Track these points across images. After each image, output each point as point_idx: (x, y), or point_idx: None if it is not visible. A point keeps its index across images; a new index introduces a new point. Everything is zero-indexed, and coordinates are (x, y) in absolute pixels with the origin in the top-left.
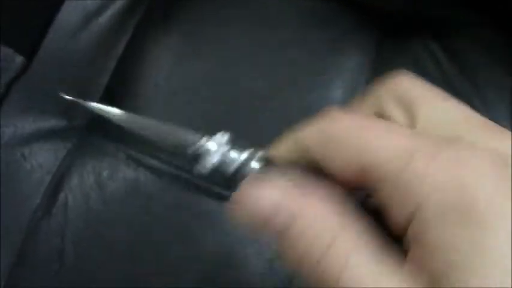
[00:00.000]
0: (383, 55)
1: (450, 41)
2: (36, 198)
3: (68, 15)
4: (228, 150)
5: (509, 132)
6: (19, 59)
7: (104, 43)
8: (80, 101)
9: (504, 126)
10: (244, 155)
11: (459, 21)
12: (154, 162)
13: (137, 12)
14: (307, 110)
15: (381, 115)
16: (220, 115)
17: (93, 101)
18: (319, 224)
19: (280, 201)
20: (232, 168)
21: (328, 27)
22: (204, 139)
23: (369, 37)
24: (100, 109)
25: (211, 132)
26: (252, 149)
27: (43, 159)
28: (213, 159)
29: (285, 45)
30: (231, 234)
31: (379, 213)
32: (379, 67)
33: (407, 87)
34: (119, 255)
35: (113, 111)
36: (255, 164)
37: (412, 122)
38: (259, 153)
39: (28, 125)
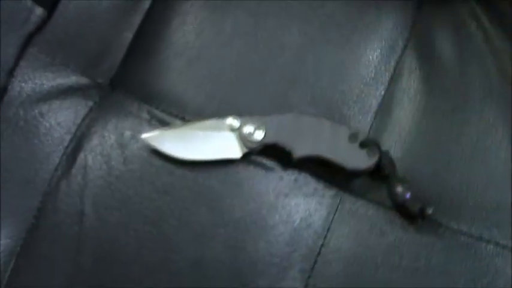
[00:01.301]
0: (423, 14)
1: (492, 2)
2: (55, 157)
3: None
4: None
5: None
6: (39, 11)
7: None
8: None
9: None
10: None
11: None
12: (178, 123)
13: None
14: (339, 69)
15: None
16: (251, 70)
17: (116, 57)
18: None
19: None
20: None
21: None
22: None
23: None
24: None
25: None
26: None
27: (63, 117)
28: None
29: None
30: (258, 201)
31: None
32: (419, 28)
33: None
34: (140, 218)
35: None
36: None
37: None
38: None
39: (47, 81)
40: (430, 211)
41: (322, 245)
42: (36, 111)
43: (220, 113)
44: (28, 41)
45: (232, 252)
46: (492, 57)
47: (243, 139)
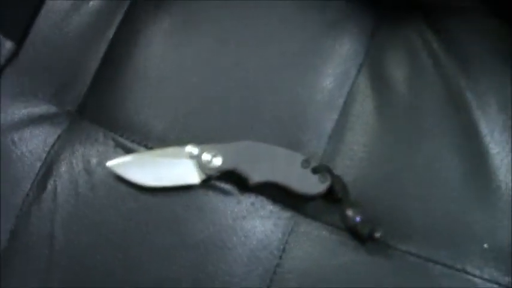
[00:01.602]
0: (376, 42)
1: (444, 28)
2: (27, 184)
3: None
4: None
5: None
6: (8, 44)
7: (94, 26)
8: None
9: (494, 112)
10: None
11: (454, 7)
12: (142, 150)
13: None
14: (295, 95)
15: None
16: (212, 99)
17: (83, 85)
18: None
19: None
20: None
21: (321, 14)
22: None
23: (363, 24)
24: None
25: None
26: None
27: (33, 145)
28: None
29: (278, 32)
30: (217, 224)
31: None
32: (372, 55)
33: None
34: (107, 241)
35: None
36: None
37: None
38: None
39: (18, 110)
40: (378, 234)
41: (277, 265)
42: (9, 139)
43: (181, 140)
44: (0, 73)
45: (193, 273)
46: (443, 84)
47: (202, 166)
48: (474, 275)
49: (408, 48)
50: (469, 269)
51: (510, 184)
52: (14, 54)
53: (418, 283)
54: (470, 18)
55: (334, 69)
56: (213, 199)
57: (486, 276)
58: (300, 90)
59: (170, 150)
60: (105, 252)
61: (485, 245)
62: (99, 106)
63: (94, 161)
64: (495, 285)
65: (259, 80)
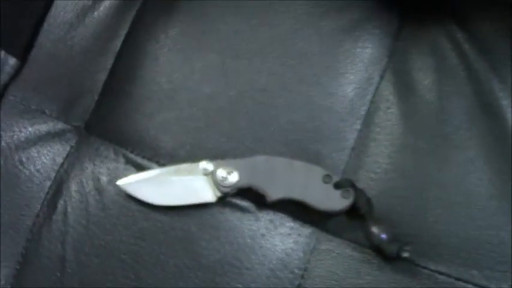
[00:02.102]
0: (400, 45)
1: (475, 27)
2: (36, 204)
3: (61, 10)
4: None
5: None
6: (12, 61)
7: (100, 38)
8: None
9: None
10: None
11: (484, 2)
12: (153, 166)
13: (135, 5)
14: (312, 106)
15: None
16: (224, 112)
17: (90, 100)
18: None
19: None
20: None
21: (341, 14)
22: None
23: (386, 25)
24: None
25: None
26: None
27: (41, 164)
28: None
29: (293, 35)
30: (234, 243)
31: None
32: (396, 59)
33: None
34: (119, 262)
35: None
36: None
37: None
38: None
39: (24, 128)
40: (406, 254)
41: (299, 285)
42: (16, 159)
43: (193, 156)
44: (3, 91)
45: None
46: (473, 90)
47: (217, 183)
48: None
49: (435, 51)
50: None
51: None
52: (18, 71)
53: None
54: (503, 15)
55: (356, 75)
56: (229, 217)
57: None
58: (318, 99)
59: (183, 166)
60: (116, 274)
61: None
62: (108, 121)
63: (105, 179)
64: None
65: (273, 89)
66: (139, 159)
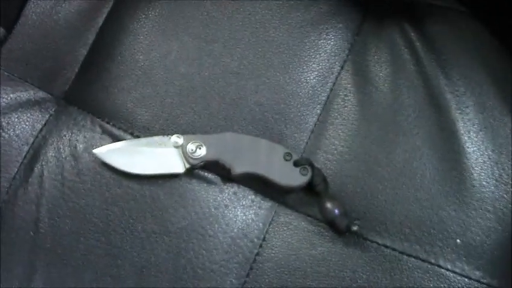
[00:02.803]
0: (361, 39)
1: (427, 27)
2: (14, 167)
3: None
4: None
5: None
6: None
7: (84, 14)
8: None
9: (471, 113)
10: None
11: (437, 6)
12: (128, 137)
13: None
14: (278, 90)
15: None
16: (195, 92)
17: (71, 72)
18: None
19: None
20: None
21: (309, 8)
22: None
23: (349, 20)
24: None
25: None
26: None
27: (20, 130)
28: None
29: (265, 25)
30: (199, 212)
31: None
32: (356, 51)
33: None
34: (91, 225)
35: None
36: None
37: None
38: None
39: (7, 95)
40: (355, 228)
41: (257, 254)
42: None
43: (166, 130)
44: None
45: (175, 259)
46: (422, 84)
47: (186, 155)
48: (447, 269)
49: (391, 47)
50: (442, 263)
51: (483, 182)
52: (4, 41)
53: (392, 275)
54: (452, 19)
55: (319, 64)
56: (196, 187)
57: (458, 271)
58: (284, 84)
59: (156, 139)
60: (88, 237)
61: (458, 241)
62: (87, 93)
63: (81, 146)
64: (466, 279)
65: (244, 72)
66: (115, 130)
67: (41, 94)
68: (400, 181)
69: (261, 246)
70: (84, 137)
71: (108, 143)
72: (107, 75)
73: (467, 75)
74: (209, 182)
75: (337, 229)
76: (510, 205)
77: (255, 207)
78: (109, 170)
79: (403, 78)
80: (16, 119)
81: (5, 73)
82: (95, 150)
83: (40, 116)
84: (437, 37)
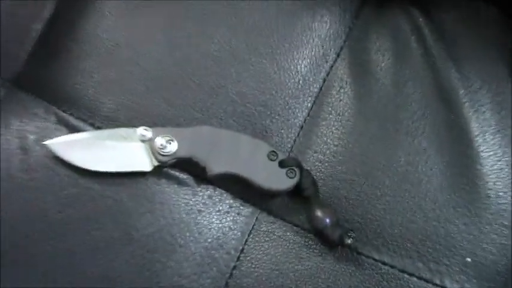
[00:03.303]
0: (360, 24)
1: (437, 13)
2: None
3: None
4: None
5: None
6: None
7: None
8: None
9: (488, 112)
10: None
11: None
12: (88, 128)
13: None
14: (264, 79)
15: None
16: (167, 77)
17: (23, 51)
18: None
19: None
20: None
21: None
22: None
23: (347, 2)
24: None
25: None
26: None
27: None
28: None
29: (249, 5)
30: (168, 217)
31: None
32: (354, 37)
33: None
34: (42, 229)
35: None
36: None
37: None
38: None
39: None
40: (349, 241)
41: (234, 267)
42: None
43: (132, 121)
44: None
45: (138, 271)
46: (430, 77)
47: (155, 151)
48: None
49: (394, 33)
50: (448, 284)
51: (500, 193)
52: None
53: None
54: (466, 4)
55: (311, 50)
56: (165, 189)
57: None
58: (270, 72)
59: (120, 131)
60: (39, 242)
61: (468, 259)
62: (41, 76)
63: (32, 138)
64: None
65: (224, 57)
66: (72, 120)
67: None
68: (402, 188)
69: (238, 259)
70: (37, 127)
71: (64, 135)
72: (65, 56)
73: (483, 68)
74: (180, 182)
75: (328, 241)
76: None
77: (233, 214)
78: (64, 166)
79: (408, 70)
80: None
81: None
82: (47, 142)
83: None
84: (449, 23)
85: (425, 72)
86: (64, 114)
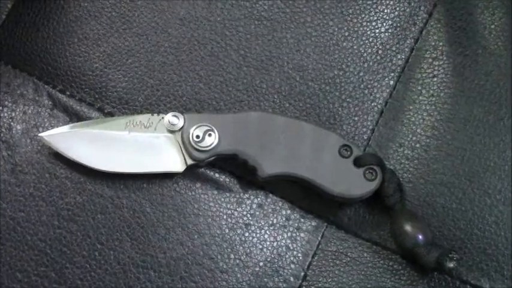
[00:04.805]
0: None
1: None
2: None
3: None
4: None
5: None
6: None
7: None
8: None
9: None
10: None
11: None
12: (95, 115)
13: None
14: (330, 49)
15: None
16: (202, 45)
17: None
18: None
19: None
20: None
21: None
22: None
23: None
24: None
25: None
26: None
27: None
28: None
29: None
30: (205, 234)
31: None
32: None
33: None
34: (36, 251)
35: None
36: None
37: None
38: None
39: None
40: (451, 264)
41: None
42: None
43: (154, 105)
44: None
45: None
46: None
47: (188, 145)
48: None
49: None
50: None
51: None
52: None
53: None
54: None
55: (394, 9)
56: (201, 196)
57: None
58: (340, 40)
59: (139, 118)
60: (30, 269)
61: None
62: (29, 44)
63: (19, 128)
64: None
65: (277, 18)
66: (73, 103)
67: None
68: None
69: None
70: (24, 113)
71: (63, 124)
72: (61, 17)
73: None
74: (221, 187)
75: (421, 264)
76: None
77: (291, 228)
78: (64, 165)
79: None
80: None
81: None
82: (41, 134)
83: None
84: None
85: None
86: (61, 95)
